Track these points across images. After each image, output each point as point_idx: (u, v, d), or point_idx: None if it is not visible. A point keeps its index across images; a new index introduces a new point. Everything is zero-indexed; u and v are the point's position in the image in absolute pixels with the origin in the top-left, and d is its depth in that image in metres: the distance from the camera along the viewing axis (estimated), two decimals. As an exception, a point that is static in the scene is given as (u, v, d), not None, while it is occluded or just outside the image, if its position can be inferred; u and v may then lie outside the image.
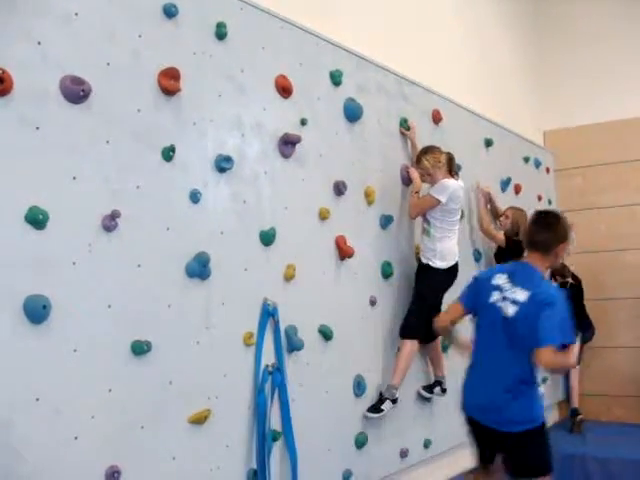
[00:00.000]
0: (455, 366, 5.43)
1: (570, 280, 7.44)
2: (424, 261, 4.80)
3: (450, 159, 4.88)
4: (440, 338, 5.08)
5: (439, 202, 4.67)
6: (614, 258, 7.95)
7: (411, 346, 4.63)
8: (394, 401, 4.49)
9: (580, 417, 7.41)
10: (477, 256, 6.11)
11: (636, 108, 7.97)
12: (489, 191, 6.27)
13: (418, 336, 4.68)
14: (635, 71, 8.07)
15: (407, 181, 4.97)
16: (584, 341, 7.37)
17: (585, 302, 7.45)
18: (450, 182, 4.72)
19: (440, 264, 4.75)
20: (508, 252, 6.00)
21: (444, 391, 5.09)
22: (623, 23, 8.18)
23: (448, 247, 4.79)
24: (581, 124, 8.26)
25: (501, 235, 6.05)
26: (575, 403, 7.58)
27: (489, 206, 6.24)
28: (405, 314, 4.73)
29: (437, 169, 4.78)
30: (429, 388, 5.07)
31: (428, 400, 5.12)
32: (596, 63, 8.22)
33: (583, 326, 7.32)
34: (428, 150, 4.86)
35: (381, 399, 4.46)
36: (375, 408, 4.42)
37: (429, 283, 4.77)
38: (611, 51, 8.16)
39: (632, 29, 8.17)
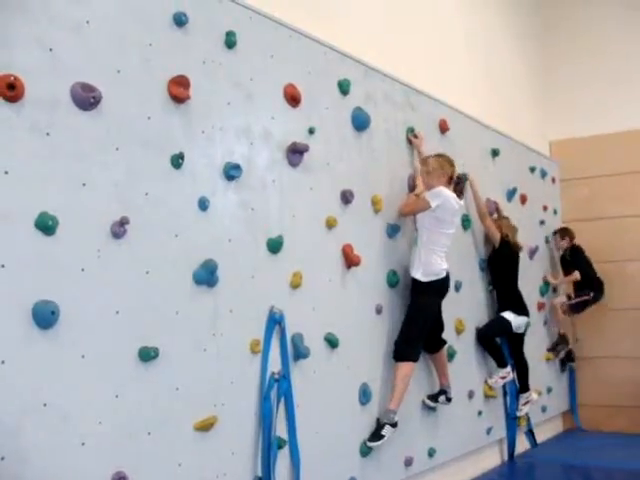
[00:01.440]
0: (460, 375, 5.45)
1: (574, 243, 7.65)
2: (411, 274, 4.73)
3: (458, 178, 4.86)
4: (446, 347, 5.07)
5: (429, 206, 4.59)
6: (619, 269, 7.95)
7: (406, 368, 4.55)
8: (393, 425, 4.43)
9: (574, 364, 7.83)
10: (483, 265, 6.11)
11: (642, 119, 7.99)
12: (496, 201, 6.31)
13: (412, 358, 4.60)
14: (641, 82, 8.10)
15: (413, 189, 4.99)
16: (595, 299, 7.53)
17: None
18: (445, 191, 4.66)
19: (422, 278, 4.65)
20: (501, 253, 6.07)
21: (449, 400, 5.09)
22: (629, 34, 8.20)
23: (432, 261, 4.65)
24: (587, 135, 8.27)
25: (499, 235, 6.04)
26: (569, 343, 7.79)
27: (496, 215, 6.25)
28: (397, 336, 4.66)
29: (437, 174, 4.73)
30: (434, 397, 5.06)
31: (433, 409, 5.12)
32: (602, 74, 8.24)
33: (594, 285, 7.52)
34: (441, 155, 4.87)
35: (379, 425, 4.42)
36: (375, 435, 4.38)
37: (416, 302, 4.68)
38: (617, 62, 8.18)
39: (638, 40, 8.18)
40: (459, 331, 5.57)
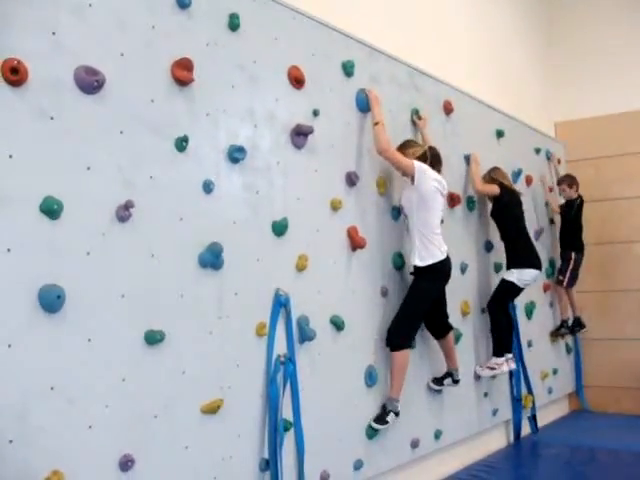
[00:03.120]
0: (466, 357, 5.46)
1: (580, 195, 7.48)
2: (411, 262, 4.64)
3: (433, 153, 4.73)
4: (452, 332, 5.04)
5: (412, 170, 4.45)
6: (625, 249, 7.94)
7: (401, 357, 4.49)
8: (397, 414, 4.45)
9: (584, 330, 7.71)
10: (489, 247, 6.09)
11: (648, 100, 7.95)
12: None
13: (405, 347, 4.53)
14: (647, 63, 8.05)
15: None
16: (579, 260, 7.40)
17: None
18: (427, 168, 4.54)
19: (420, 262, 4.54)
20: (501, 200, 5.88)
21: (456, 382, 5.08)
22: (635, 14, 8.13)
23: (428, 245, 4.54)
24: (592, 115, 8.23)
25: (495, 186, 5.86)
26: (577, 312, 7.67)
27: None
28: (390, 324, 4.57)
29: (410, 151, 4.64)
30: (439, 380, 5.06)
31: (439, 391, 5.12)
32: (608, 55, 8.18)
33: (577, 243, 7.42)
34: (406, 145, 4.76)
35: (385, 411, 4.42)
36: (380, 419, 4.39)
37: (415, 287, 4.61)
38: (623, 43, 8.12)
39: (645, 20, 8.14)
40: (465, 313, 5.56)
